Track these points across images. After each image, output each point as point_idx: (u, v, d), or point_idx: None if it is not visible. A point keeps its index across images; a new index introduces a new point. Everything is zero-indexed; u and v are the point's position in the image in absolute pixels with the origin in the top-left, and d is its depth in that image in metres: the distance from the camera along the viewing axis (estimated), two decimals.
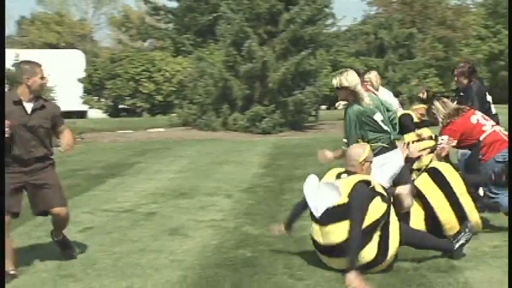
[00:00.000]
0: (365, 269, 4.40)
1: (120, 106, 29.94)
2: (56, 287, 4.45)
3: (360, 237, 4.35)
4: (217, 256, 5.10)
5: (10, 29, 50.17)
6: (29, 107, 4.79)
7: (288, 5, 19.24)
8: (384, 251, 4.47)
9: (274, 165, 10.93)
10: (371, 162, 4.79)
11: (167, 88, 28.60)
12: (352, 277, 4.18)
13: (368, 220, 4.42)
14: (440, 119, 6.12)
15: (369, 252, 4.43)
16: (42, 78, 4.84)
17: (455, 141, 5.96)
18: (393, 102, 8.21)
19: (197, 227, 6.19)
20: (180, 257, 5.13)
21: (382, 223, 4.49)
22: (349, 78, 5.12)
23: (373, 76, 8.11)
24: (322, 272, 4.57)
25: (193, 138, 17.00)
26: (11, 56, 16.62)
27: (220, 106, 19.24)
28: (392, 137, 5.26)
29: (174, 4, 34.50)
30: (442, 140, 6.03)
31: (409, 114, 6.92)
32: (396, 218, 4.67)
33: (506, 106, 11.55)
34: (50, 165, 4.92)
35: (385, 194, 4.59)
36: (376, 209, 4.45)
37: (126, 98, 29.16)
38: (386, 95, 8.21)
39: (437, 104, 6.16)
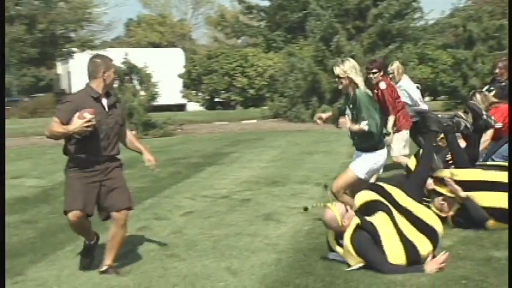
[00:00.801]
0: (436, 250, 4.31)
1: (216, 99, 30.54)
2: (163, 265, 4.61)
3: (391, 268, 4.12)
4: (309, 241, 5.09)
5: (119, 30, 52.45)
6: (105, 103, 4.40)
7: (376, 1, 18.84)
8: (432, 232, 4.31)
9: None
10: (347, 211, 4.38)
11: (259, 82, 28.86)
12: (429, 268, 4.11)
13: (392, 240, 4.21)
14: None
15: (425, 248, 4.26)
16: (115, 72, 4.50)
17: (500, 124, 5.71)
18: (415, 93, 8.07)
19: (289, 213, 6.20)
20: (274, 241, 5.17)
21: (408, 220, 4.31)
22: (345, 67, 5.00)
23: (395, 68, 8.01)
24: None
25: (284, 129, 17.03)
26: (121, 54, 17.33)
27: (310, 99, 19.16)
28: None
29: (266, 3, 34.73)
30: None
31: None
32: (408, 200, 4.44)
33: None
34: (120, 165, 4.52)
35: (374, 200, 4.40)
36: (385, 227, 4.26)
37: (221, 92, 29.71)
38: (409, 86, 8.09)
39: (478, 96, 5.93)
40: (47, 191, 8.28)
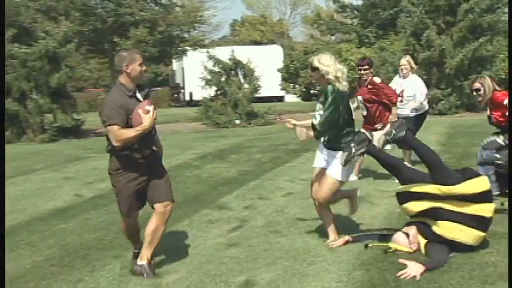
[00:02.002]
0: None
1: (312, 91, 30.37)
2: (267, 240, 4.67)
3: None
4: (402, 222, 4.89)
5: (225, 30, 53.61)
6: (140, 97, 3.86)
7: None
8: (486, 196, 4.04)
9: (451, 143, 10.28)
10: (407, 236, 4.11)
11: (352, 75, 28.22)
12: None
13: (462, 232, 3.99)
14: (486, 92, 5.37)
15: (489, 210, 4.03)
16: (141, 65, 3.83)
17: None
18: (423, 89, 7.55)
19: (382, 196, 6.06)
20: (368, 221, 5.08)
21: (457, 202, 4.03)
22: (322, 61, 4.33)
23: (408, 61, 7.56)
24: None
25: None
26: (228, 51, 17.66)
27: None
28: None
29: (359, 2, 33.96)
30: (505, 103, 5.26)
31: None
32: (444, 188, 4.07)
33: None
34: (160, 157, 4.10)
35: (424, 210, 4.09)
36: (448, 228, 4.02)
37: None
38: (417, 81, 7.60)
39: (488, 80, 5.42)
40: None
